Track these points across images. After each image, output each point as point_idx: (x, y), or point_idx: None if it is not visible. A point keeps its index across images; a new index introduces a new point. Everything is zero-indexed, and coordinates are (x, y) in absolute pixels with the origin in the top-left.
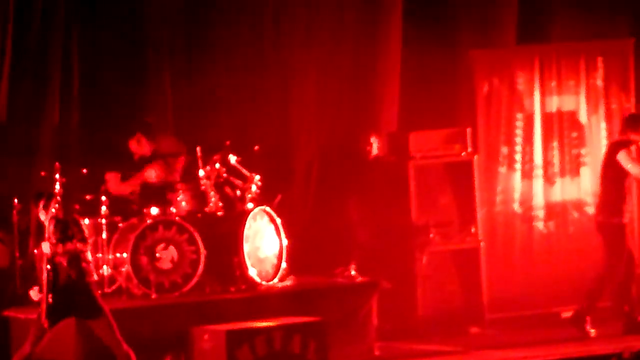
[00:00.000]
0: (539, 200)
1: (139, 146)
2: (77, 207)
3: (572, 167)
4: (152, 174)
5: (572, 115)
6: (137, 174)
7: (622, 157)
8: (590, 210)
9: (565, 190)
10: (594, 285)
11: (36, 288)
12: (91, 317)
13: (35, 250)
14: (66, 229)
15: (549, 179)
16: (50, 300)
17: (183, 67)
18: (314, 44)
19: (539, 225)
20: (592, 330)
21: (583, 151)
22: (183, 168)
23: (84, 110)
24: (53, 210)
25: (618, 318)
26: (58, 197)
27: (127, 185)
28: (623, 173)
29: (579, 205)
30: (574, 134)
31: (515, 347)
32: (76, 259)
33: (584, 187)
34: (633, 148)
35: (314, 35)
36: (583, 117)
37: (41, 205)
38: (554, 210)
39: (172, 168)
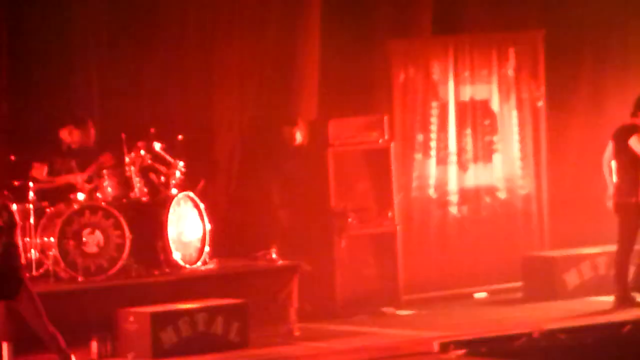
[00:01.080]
0: (453, 185)
1: (70, 136)
2: (5, 192)
3: (485, 154)
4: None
5: (485, 104)
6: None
7: (634, 143)
8: (502, 195)
9: (478, 176)
10: (618, 268)
11: None
12: (18, 299)
13: None
14: None
15: (462, 165)
16: None
17: (108, 57)
18: (236, 35)
19: (453, 209)
20: None
21: (495, 138)
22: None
23: (13, 99)
24: None
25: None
26: None
27: (53, 178)
28: (636, 157)
29: (491, 190)
30: (487, 122)
31: (429, 327)
32: (5, 243)
33: (496, 173)
34: None
35: (236, 27)
36: (495, 105)
37: None
38: (467, 195)
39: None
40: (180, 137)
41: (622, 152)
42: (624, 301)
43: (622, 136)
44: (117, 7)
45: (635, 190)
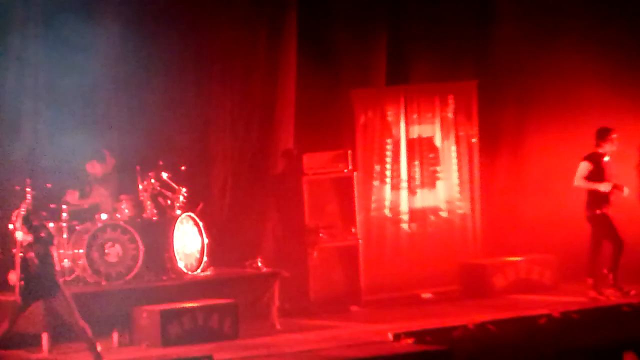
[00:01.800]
0: (404, 206)
1: (93, 168)
2: (44, 213)
3: (430, 181)
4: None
5: (430, 141)
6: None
7: (581, 167)
8: (444, 214)
9: (424, 198)
10: (611, 262)
11: (13, 272)
12: (55, 299)
13: (14, 250)
14: (37, 230)
15: (412, 190)
16: (22, 283)
17: (124, 98)
18: (228, 80)
19: (404, 226)
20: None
21: (438, 168)
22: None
23: (50, 139)
24: (24, 215)
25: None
26: (29, 206)
27: (82, 202)
28: (601, 178)
29: (435, 210)
30: (431, 155)
31: (385, 321)
32: (44, 253)
33: (438, 196)
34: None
35: (228, 73)
36: (438, 142)
37: (17, 216)
38: (415, 215)
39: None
40: (183, 168)
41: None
42: (597, 287)
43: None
44: (134, 60)
45: (599, 204)
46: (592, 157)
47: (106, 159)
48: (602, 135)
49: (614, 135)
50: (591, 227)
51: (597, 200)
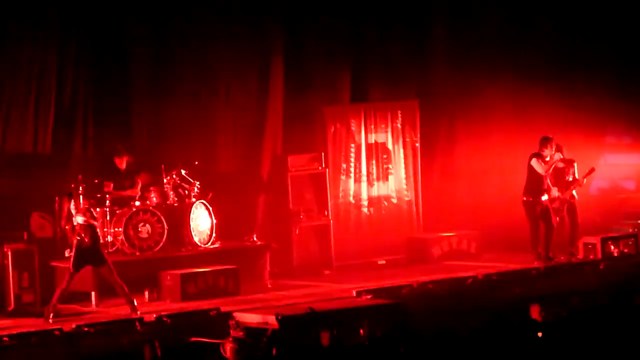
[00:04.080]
0: (364, 195)
1: (118, 163)
2: (92, 201)
3: (384, 176)
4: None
5: (384, 145)
6: (125, 190)
7: (534, 163)
8: (394, 200)
9: (379, 189)
10: (532, 242)
11: (68, 249)
12: (100, 265)
13: (67, 227)
14: (85, 213)
15: (370, 183)
16: (74, 255)
17: (151, 111)
18: (232, 100)
19: (365, 210)
20: (552, 257)
21: (390, 166)
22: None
23: (94, 145)
24: (75, 203)
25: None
26: (81, 196)
27: (116, 193)
28: (535, 172)
29: (387, 198)
30: (385, 156)
31: (350, 281)
32: (91, 231)
33: (390, 187)
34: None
35: (232, 95)
36: (390, 146)
37: (71, 200)
38: (373, 201)
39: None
40: (196, 163)
41: (529, 168)
42: (539, 258)
43: (529, 158)
44: (154, 84)
45: (533, 194)
46: (538, 154)
47: (121, 153)
48: (544, 142)
49: (553, 143)
50: (524, 210)
51: (532, 189)
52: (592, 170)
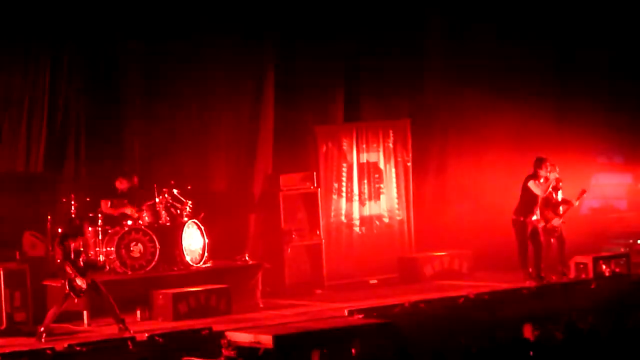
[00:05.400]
0: (356, 214)
1: (120, 184)
2: (85, 222)
3: (375, 195)
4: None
5: (375, 165)
6: (119, 208)
7: (531, 185)
8: (386, 220)
9: (371, 208)
10: (521, 261)
11: (79, 278)
12: (91, 287)
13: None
14: (76, 232)
15: (362, 202)
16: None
17: (144, 130)
18: (224, 120)
19: (357, 229)
20: (543, 277)
21: (382, 185)
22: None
23: (87, 164)
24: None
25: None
26: (73, 215)
27: (113, 210)
28: (530, 193)
29: (379, 217)
30: (376, 176)
31: (342, 301)
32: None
33: (382, 206)
34: (542, 180)
35: (224, 114)
36: (381, 165)
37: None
38: (365, 220)
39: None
40: (189, 187)
41: (523, 189)
42: (530, 277)
43: (525, 180)
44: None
45: (524, 213)
46: (534, 176)
47: (131, 176)
48: (538, 163)
49: (547, 163)
50: (514, 230)
51: (523, 209)
52: (583, 191)
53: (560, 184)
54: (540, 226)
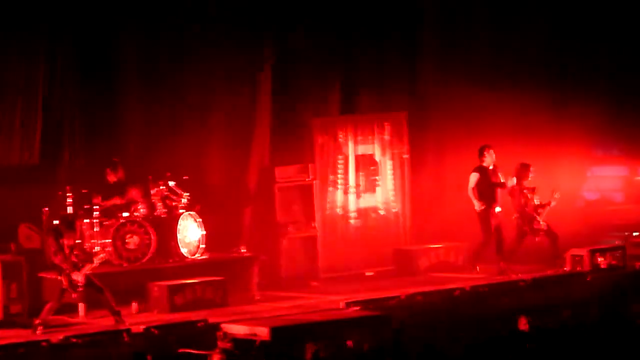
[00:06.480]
0: (352, 206)
1: (108, 176)
2: (80, 212)
3: (371, 187)
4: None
5: (371, 157)
6: (112, 198)
7: (471, 177)
8: (382, 212)
9: (367, 200)
10: (477, 247)
11: (77, 273)
12: (87, 281)
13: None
14: (70, 227)
15: (358, 194)
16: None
17: (141, 122)
18: (222, 114)
19: (352, 221)
20: (478, 268)
21: (377, 178)
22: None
23: (85, 157)
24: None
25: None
26: (67, 211)
27: (106, 202)
28: (487, 182)
29: (375, 209)
30: (372, 168)
31: (338, 293)
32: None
33: (378, 198)
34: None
35: (220, 107)
36: (377, 157)
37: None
38: (360, 213)
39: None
40: (185, 177)
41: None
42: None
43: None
44: (150, 100)
45: (482, 202)
46: (479, 169)
47: (117, 168)
48: (482, 150)
49: (490, 150)
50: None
51: (487, 198)
52: (554, 190)
53: (535, 189)
54: (533, 227)
